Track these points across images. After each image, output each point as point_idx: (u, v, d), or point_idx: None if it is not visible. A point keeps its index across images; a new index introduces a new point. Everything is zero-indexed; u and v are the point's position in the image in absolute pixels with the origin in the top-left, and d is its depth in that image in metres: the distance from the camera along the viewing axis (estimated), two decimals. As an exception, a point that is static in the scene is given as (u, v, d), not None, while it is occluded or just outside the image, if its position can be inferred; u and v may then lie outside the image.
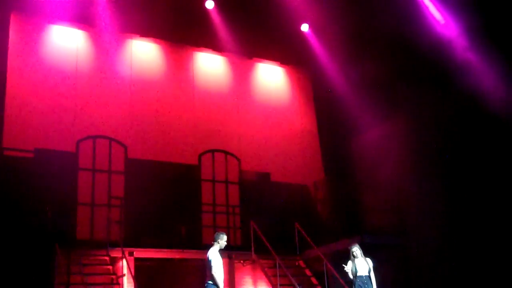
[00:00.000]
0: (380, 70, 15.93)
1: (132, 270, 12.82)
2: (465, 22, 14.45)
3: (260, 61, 18.76)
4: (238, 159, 17.04)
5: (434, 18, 15.26)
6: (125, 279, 12.92)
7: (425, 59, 14.82)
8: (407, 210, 15.27)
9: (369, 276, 11.05)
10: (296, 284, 13.43)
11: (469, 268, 13.91)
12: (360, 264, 11.11)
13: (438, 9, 15.33)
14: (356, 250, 11.24)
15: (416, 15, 15.29)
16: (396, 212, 15.37)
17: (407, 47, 15.13)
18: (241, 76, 18.34)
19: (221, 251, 10.19)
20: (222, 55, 18.01)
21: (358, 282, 11.00)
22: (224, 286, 10.07)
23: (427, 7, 15.44)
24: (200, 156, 16.53)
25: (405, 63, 15.50)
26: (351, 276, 11.09)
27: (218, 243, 10.08)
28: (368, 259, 11.23)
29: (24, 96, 14.71)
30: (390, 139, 16.12)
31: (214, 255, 9.92)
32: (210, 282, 9.83)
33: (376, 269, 11.24)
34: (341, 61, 17.36)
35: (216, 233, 10.37)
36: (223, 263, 10.23)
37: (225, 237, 10.17)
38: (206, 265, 9.98)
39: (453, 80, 14.25)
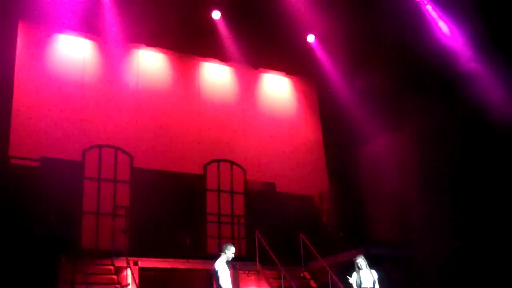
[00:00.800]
0: (385, 80, 15.94)
1: (137, 280, 12.78)
2: (471, 32, 14.45)
3: (266, 72, 18.79)
4: (244, 169, 17.03)
5: (439, 28, 15.27)
6: (129, 288, 12.90)
7: (431, 69, 14.82)
8: (413, 221, 15.20)
9: None
10: (301, 295, 13.36)
11: (475, 281, 13.83)
12: (365, 276, 11.07)
13: (443, 20, 15.35)
14: (361, 261, 11.20)
15: (422, 25, 15.31)
16: (402, 224, 15.31)
17: (413, 58, 15.15)
18: (247, 86, 18.37)
19: (227, 262, 10.21)
20: (228, 65, 18.06)
21: None
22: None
23: (433, 18, 15.46)
24: (205, 166, 16.53)
25: (410, 74, 15.50)
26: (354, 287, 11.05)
27: (226, 254, 10.12)
28: (373, 271, 11.18)
29: (31, 105, 14.76)
30: (396, 149, 16.09)
31: (221, 266, 9.96)
32: (219, 292, 9.88)
33: (381, 281, 11.19)
34: (346, 71, 17.39)
35: (224, 244, 10.42)
36: (230, 273, 10.25)
37: (232, 249, 10.21)
38: (213, 276, 10.00)
39: (459, 91, 14.23)
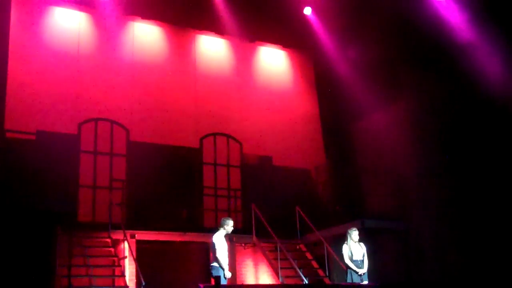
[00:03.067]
0: (382, 53, 15.86)
1: (134, 252, 12.89)
2: (468, 4, 14.33)
3: (262, 44, 18.69)
4: (240, 143, 17.03)
5: (438, 1, 15.12)
6: (126, 261, 13.00)
7: (428, 42, 14.72)
8: (409, 195, 15.28)
9: (363, 261, 11.16)
10: (297, 268, 13.49)
11: (470, 254, 13.95)
12: (355, 248, 11.21)
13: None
14: (355, 233, 11.32)
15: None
16: (397, 197, 15.39)
17: (410, 31, 15.04)
18: (243, 60, 18.28)
19: (226, 235, 10.36)
20: (224, 38, 17.95)
21: (352, 266, 11.11)
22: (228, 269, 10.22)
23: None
24: (201, 139, 16.52)
25: (407, 47, 15.40)
26: (346, 260, 11.16)
27: (224, 228, 10.30)
28: (362, 244, 11.34)
29: (26, 78, 14.68)
30: (392, 123, 16.08)
31: (219, 239, 10.17)
32: (215, 264, 10.07)
33: (376, 253, 11.31)
34: (343, 44, 17.29)
35: (222, 218, 10.62)
36: (227, 246, 10.39)
37: (231, 222, 10.42)
38: (210, 248, 10.20)
39: (456, 64, 14.16)
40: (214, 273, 10.05)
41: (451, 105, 14.87)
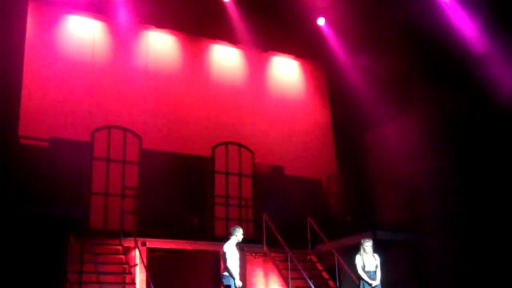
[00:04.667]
0: (396, 64, 15.85)
1: (145, 260, 12.90)
2: (482, 16, 14.29)
3: (275, 54, 18.73)
4: (252, 152, 17.03)
5: (452, 11, 15.10)
6: (137, 268, 13.00)
7: (441, 53, 14.71)
8: (421, 206, 15.21)
9: (376, 272, 11.08)
10: (307, 278, 13.44)
11: (483, 266, 13.84)
12: (368, 260, 11.13)
13: (455, 4, 15.17)
14: (368, 245, 11.24)
15: (433, 8, 15.15)
16: (409, 208, 15.31)
17: (424, 42, 15.04)
18: (256, 69, 18.33)
19: (237, 244, 10.37)
20: (238, 47, 18.02)
21: (365, 277, 11.03)
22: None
23: (444, 1, 15.29)
24: (213, 148, 16.54)
25: (420, 58, 15.40)
26: (359, 271, 11.09)
27: (236, 236, 10.35)
28: (376, 255, 11.24)
29: (41, 85, 14.82)
30: (405, 134, 16.04)
31: (230, 248, 10.21)
32: (226, 273, 10.09)
33: (387, 265, 11.23)
34: (356, 55, 17.29)
35: (232, 227, 10.65)
36: (238, 255, 10.40)
37: (241, 231, 10.47)
38: (221, 257, 10.23)
39: (469, 75, 14.12)
40: (225, 282, 10.06)
41: (465, 116, 14.82)
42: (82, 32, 15.95)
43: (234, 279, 10.06)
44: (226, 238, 10.62)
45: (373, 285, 10.92)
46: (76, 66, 15.53)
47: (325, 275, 14.56)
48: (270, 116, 17.91)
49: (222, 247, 10.40)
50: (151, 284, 11.65)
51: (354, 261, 11.23)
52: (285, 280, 14.04)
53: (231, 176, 16.58)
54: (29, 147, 13.87)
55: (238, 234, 10.41)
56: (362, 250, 11.22)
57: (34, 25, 15.22)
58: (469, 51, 14.31)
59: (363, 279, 11.00)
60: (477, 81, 13.92)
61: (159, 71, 16.70)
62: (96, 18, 16.16)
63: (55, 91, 14.95)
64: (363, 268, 11.06)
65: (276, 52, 18.67)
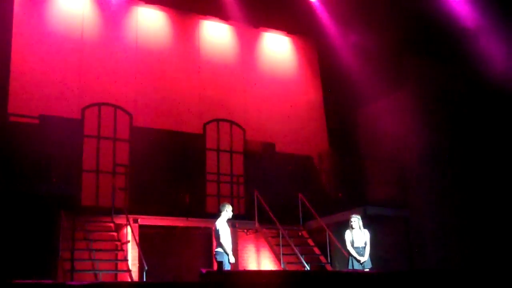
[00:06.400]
0: (387, 40, 15.79)
1: (137, 237, 12.93)
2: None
3: (266, 31, 18.59)
4: (243, 129, 17.01)
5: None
6: (129, 245, 13.05)
7: (433, 28, 14.66)
8: (411, 182, 15.29)
9: (365, 248, 11.13)
10: (298, 254, 13.53)
11: (473, 242, 13.98)
12: (357, 235, 11.19)
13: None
14: (356, 220, 11.30)
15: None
16: (400, 185, 15.40)
17: (416, 18, 14.96)
18: (247, 45, 18.20)
19: (228, 220, 10.42)
20: (228, 23, 17.84)
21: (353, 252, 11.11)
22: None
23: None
24: (205, 125, 16.51)
25: (412, 33, 15.33)
26: (348, 246, 11.16)
27: (226, 212, 10.38)
28: (366, 231, 11.30)
29: (30, 63, 14.65)
30: (396, 110, 16.05)
31: (222, 225, 10.27)
32: (219, 250, 10.15)
33: (378, 240, 11.30)
34: (348, 31, 17.19)
35: (221, 204, 10.69)
36: (230, 231, 10.45)
37: (230, 207, 10.51)
38: (214, 234, 10.29)
39: (460, 50, 14.10)
40: (218, 258, 10.12)
41: (455, 92, 14.85)
42: (71, 9, 15.72)
43: (227, 255, 10.12)
44: (217, 214, 10.65)
45: (361, 261, 10.99)
46: (66, 42, 15.34)
47: (316, 250, 14.66)
48: (262, 93, 17.84)
49: (214, 223, 10.44)
50: (144, 261, 11.69)
51: (344, 237, 11.32)
52: (276, 256, 14.14)
53: (222, 153, 16.59)
54: (19, 124, 13.79)
55: (228, 210, 10.45)
56: (350, 226, 11.29)
57: (22, 1, 14.99)
58: (461, 26, 14.27)
59: (351, 255, 11.08)
60: (469, 57, 13.91)
61: (149, 48, 16.54)
62: (85, -6, 15.95)
63: (45, 68, 14.78)
64: (352, 243, 11.13)
65: (267, 28, 18.53)
